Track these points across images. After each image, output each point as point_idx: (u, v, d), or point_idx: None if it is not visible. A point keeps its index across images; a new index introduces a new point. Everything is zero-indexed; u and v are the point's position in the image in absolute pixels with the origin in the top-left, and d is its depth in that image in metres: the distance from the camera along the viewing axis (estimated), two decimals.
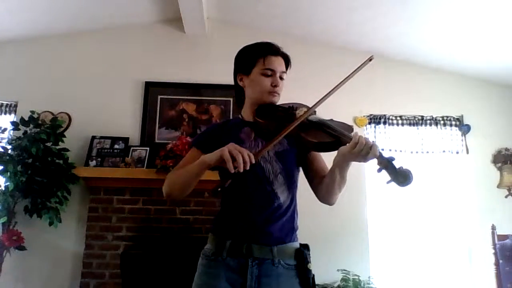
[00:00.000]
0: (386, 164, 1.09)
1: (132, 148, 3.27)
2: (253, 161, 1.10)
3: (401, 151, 3.50)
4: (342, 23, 3.37)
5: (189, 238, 3.08)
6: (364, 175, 3.43)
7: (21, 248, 2.91)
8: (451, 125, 3.60)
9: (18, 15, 3.24)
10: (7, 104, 3.44)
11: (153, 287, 2.95)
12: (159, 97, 3.50)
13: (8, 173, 2.88)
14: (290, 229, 1.30)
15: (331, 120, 1.32)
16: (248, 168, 1.08)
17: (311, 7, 3.22)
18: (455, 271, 3.37)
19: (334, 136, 1.21)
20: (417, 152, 3.52)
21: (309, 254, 1.28)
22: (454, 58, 3.56)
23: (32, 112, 3.10)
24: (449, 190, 3.53)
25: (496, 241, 2.96)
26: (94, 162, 3.17)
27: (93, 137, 3.29)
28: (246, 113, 1.43)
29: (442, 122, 3.60)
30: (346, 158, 1.17)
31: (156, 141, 3.37)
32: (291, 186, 1.33)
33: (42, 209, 2.95)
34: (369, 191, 3.45)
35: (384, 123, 3.57)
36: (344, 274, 3.07)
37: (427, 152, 3.53)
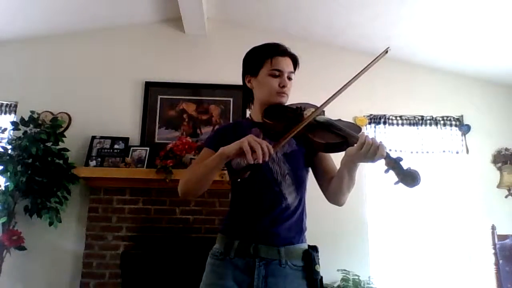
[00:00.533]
0: (394, 164, 1.08)
1: (132, 148, 3.27)
2: (272, 153, 1.10)
3: (401, 151, 3.50)
4: (342, 23, 3.37)
5: (189, 238, 3.08)
6: (364, 175, 3.43)
7: (21, 248, 2.91)
8: (451, 125, 3.60)
9: (18, 15, 3.24)
10: (7, 104, 3.44)
11: (153, 287, 2.95)
12: (159, 97, 3.50)
13: (8, 173, 2.89)
14: (298, 230, 1.31)
15: (339, 120, 1.31)
16: (267, 159, 1.08)
17: (311, 7, 3.22)
18: (455, 271, 3.37)
19: (342, 136, 1.21)
20: (417, 152, 3.52)
21: (318, 256, 1.29)
22: (454, 58, 3.56)
23: (32, 112, 3.10)
24: (449, 190, 3.53)
25: (496, 241, 2.96)
26: (94, 162, 3.17)
27: (93, 137, 3.29)
28: (255, 114, 1.43)
29: (442, 122, 3.60)
30: (353, 159, 1.17)
31: (156, 141, 3.37)
32: (299, 187, 1.33)
33: (42, 209, 2.95)
34: (369, 191, 3.45)
35: (384, 123, 3.57)
36: (344, 274, 3.07)
37: (427, 152, 3.53)
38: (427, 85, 3.69)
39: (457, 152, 3.56)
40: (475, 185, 3.50)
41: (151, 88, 3.50)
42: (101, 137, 3.30)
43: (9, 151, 2.99)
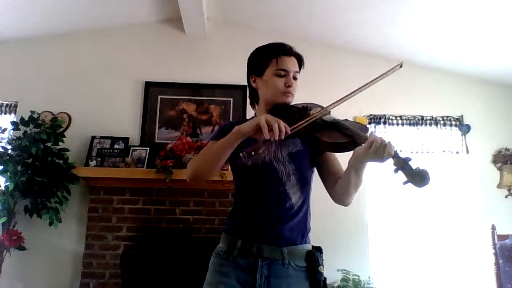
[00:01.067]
0: (403, 164, 1.08)
1: (132, 148, 3.27)
2: (289, 132, 1.11)
3: (401, 151, 3.49)
4: (342, 23, 3.36)
5: (189, 238, 3.08)
6: (364, 175, 3.42)
7: (21, 248, 2.91)
8: (451, 125, 3.61)
9: (18, 15, 3.24)
10: (7, 104, 3.44)
11: (153, 287, 2.95)
12: (159, 97, 3.50)
13: (8, 173, 2.89)
14: (302, 231, 1.30)
15: (346, 120, 1.31)
16: (283, 137, 1.10)
17: (311, 7, 3.22)
18: (455, 271, 3.37)
19: (349, 136, 1.20)
20: (417, 152, 3.51)
21: (322, 257, 1.29)
22: (454, 58, 3.56)
23: (32, 112, 3.10)
24: (449, 190, 3.53)
25: (496, 241, 2.96)
26: (94, 162, 3.17)
27: (93, 137, 3.29)
28: (261, 114, 1.40)
29: (442, 122, 3.60)
30: (362, 159, 1.16)
31: (156, 141, 3.37)
32: (304, 187, 1.32)
33: (42, 209, 2.95)
34: (369, 191, 3.45)
35: (384, 123, 3.57)
36: (344, 274, 3.07)
37: (427, 152, 3.53)
38: (427, 85, 3.69)
39: (457, 152, 3.56)
40: (475, 185, 3.50)
41: (151, 88, 3.50)
42: (101, 137, 3.30)
43: (9, 151, 2.98)
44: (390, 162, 1.11)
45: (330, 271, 3.08)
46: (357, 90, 1.30)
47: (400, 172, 1.08)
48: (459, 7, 2.90)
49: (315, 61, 3.53)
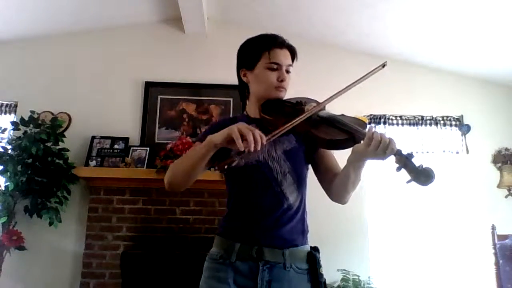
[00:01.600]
0: (406, 162, 1.02)
1: (132, 148, 3.27)
2: (264, 142, 1.02)
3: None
4: (342, 23, 3.37)
5: (189, 238, 3.08)
6: (362, 174, 3.42)
7: (21, 248, 2.91)
8: (451, 125, 3.61)
9: (18, 15, 3.24)
10: (7, 104, 3.44)
11: (153, 287, 2.95)
12: (159, 97, 3.50)
13: (8, 173, 2.89)
14: (301, 231, 1.26)
15: (342, 115, 1.24)
16: (259, 148, 1.01)
17: (311, 7, 3.22)
18: (455, 271, 3.37)
19: (348, 132, 1.14)
20: (417, 152, 3.51)
21: (319, 257, 1.24)
22: (454, 58, 3.56)
23: (32, 112, 3.10)
24: (449, 190, 3.53)
25: (496, 241, 2.96)
26: (94, 162, 3.17)
27: (93, 137, 3.29)
28: (252, 110, 1.36)
29: (442, 122, 3.60)
30: (362, 156, 1.10)
31: (156, 141, 3.37)
32: (300, 186, 1.27)
33: (42, 209, 2.95)
34: (369, 191, 3.45)
35: (384, 123, 3.57)
36: (344, 274, 3.07)
37: (427, 152, 3.53)
38: (427, 85, 3.69)
39: (457, 152, 3.56)
40: (475, 185, 3.50)
41: (151, 88, 3.50)
42: (101, 137, 3.30)
43: (9, 151, 2.99)
44: (392, 160, 1.06)
45: (330, 271, 3.08)
46: (348, 86, 1.26)
47: (403, 170, 1.03)
48: (459, 7, 2.90)
49: (315, 61, 3.58)
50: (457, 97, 3.69)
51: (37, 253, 3.07)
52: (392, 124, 3.58)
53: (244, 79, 1.35)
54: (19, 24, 3.37)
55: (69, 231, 3.15)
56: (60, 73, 3.51)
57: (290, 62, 1.32)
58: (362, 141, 1.09)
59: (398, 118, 3.60)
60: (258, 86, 1.31)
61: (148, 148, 3.26)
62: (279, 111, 1.26)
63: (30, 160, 2.97)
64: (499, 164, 3.54)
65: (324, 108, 1.25)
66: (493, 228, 3.00)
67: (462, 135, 3.60)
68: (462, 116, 3.64)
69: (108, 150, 3.24)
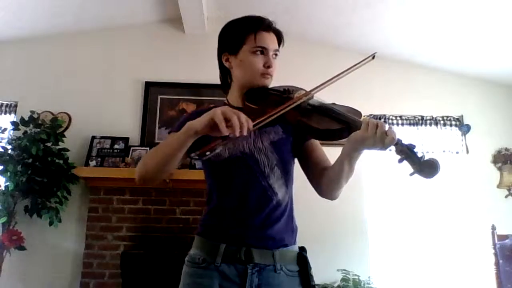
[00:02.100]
0: (408, 153, 0.95)
1: (132, 148, 3.27)
2: (251, 127, 0.92)
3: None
4: (342, 23, 3.36)
5: (189, 238, 3.07)
6: (362, 174, 3.43)
7: (21, 248, 2.91)
8: (451, 125, 3.61)
9: (18, 15, 3.24)
10: (7, 104, 3.44)
11: (153, 287, 2.95)
12: (159, 97, 3.50)
13: (8, 173, 2.88)
14: (291, 230, 1.17)
15: (334, 103, 1.15)
16: (245, 133, 0.90)
17: (311, 7, 3.22)
18: (455, 271, 3.37)
19: (343, 121, 1.04)
20: None
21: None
22: (454, 58, 3.56)
23: (32, 112, 3.10)
24: (449, 190, 3.53)
25: (496, 241, 2.96)
26: (94, 162, 3.17)
27: (93, 137, 3.29)
28: (234, 98, 1.24)
29: (442, 122, 3.60)
30: (359, 145, 1.01)
31: (156, 141, 3.37)
32: (288, 180, 1.18)
33: (42, 209, 2.95)
34: (369, 191, 3.45)
35: (384, 123, 3.56)
36: (344, 274, 3.07)
37: (427, 152, 3.52)
38: (427, 85, 3.69)
39: (457, 152, 3.56)
40: (475, 185, 3.50)
41: (151, 88, 3.50)
42: (101, 137, 3.30)
43: (9, 151, 2.98)
44: (392, 154, 0.99)
45: (330, 271, 3.08)
46: (339, 75, 1.17)
47: (405, 162, 0.95)
48: (459, 7, 2.90)
49: (315, 61, 3.58)
50: (457, 97, 3.69)
51: (37, 253, 3.07)
52: (392, 124, 3.58)
53: (226, 64, 1.24)
54: (19, 24, 3.37)
55: (69, 231, 3.15)
56: (60, 73, 3.51)
57: (277, 46, 1.22)
58: (358, 131, 1.01)
59: (398, 118, 3.60)
60: (242, 72, 1.20)
61: (148, 148, 3.26)
62: (265, 100, 1.15)
63: (30, 160, 2.97)
64: (499, 164, 3.53)
65: (312, 97, 1.16)
66: (493, 228, 3.00)
67: (462, 135, 3.60)
68: (462, 116, 3.64)
69: (108, 150, 3.24)
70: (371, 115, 3.57)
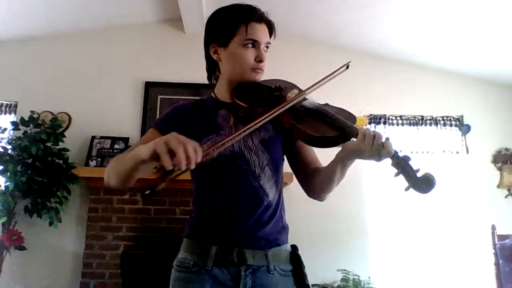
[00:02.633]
0: (403, 166, 0.93)
1: None
2: (199, 159, 0.81)
3: (401, 151, 3.46)
4: (342, 22, 3.36)
5: None
6: (362, 174, 3.43)
7: (21, 248, 2.91)
8: (451, 125, 3.61)
9: (18, 15, 3.24)
10: (7, 104, 3.44)
11: (153, 287, 2.95)
12: (159, 97, 3.50)
13: (8, 173, 2.88)
14: (282, 229, 1.13)
15: (326, 104, 1.11)
16: (192, 167, 0.80)
17: (311, 7, 3.21)
18: (455, 271, 3.37)
19: (338, 128, 1.00)
20: (417, 152, 3.51)
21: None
22: (454, 58, 3.56)
23: (32, 112, 3.10)
24: (449, 190, 3.53)
25: (496, 241, 2.96)
26: (94, 162, 3.17)
27: (93, 137, 3.29)
28: (221, 92, 1.19)
29: (442, 122, 3.60)
30: (354, 155, 0.99)
31: None
32: (278, 180, 1.14)
33: (42, 209, 2.94)
34: (369, 191, 3.45)
35: (384, 123, 3.57)
36: (344, 274, 3.07)
37: (427, 152, 3.53)
38: (427, 85, 3.69)
39: (457, 152, 3.56)
40: (475, 185, 3.50)
41: (151, 88, 3.50)
42: (101, 137, 3.30)
43: (9, 151, 2.98)
44: (389, 162, 0.98)
45: (330, 271, 3.08)
46: (327, 77, 1.13)
47: (401, 176, 0.94)
48: (459, 7, 2.90)
49: (314, 61, 3.57)
50: (457, 97, 3.69)
51: (37, 253, 3.07)
52: (392, 124, 3.58)
53: (215, 56, 1.16)
54: (19, 24, 3.37)
55: (69, 231, 3.15)
56: (60, 73, 3.51)
57: (269, 39, 1.15)
58: (352, 139, 0.98)
59: (398, 118, 3.60)
60: (232, 66, 1.13)
61: None
62: (255, 97, 1.10)
63: (30, 160, 2.97)
64: (499, 164, 3.54)
65: (305, 98, 1.11)
66: (493, 228, 3.00)
67: (462, 135, 3.60)
68: (462, 116, 3.64)
69: (108, 150, 3.23)
70: (371, 115, 3.57)
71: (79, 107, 3.41)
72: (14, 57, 3.54)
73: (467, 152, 3.57)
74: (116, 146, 3.26)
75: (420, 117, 3.60)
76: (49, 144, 3.05)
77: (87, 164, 3.16)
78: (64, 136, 3.13)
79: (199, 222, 1.12)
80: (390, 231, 3.44)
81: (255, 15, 1.12)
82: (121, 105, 3.46)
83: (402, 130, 3.57)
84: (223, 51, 1.13)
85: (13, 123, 3.10)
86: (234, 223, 1.07)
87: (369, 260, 3.30)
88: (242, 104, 1.09)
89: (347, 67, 1.17)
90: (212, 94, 1.23)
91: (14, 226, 2.97)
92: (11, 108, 3.43)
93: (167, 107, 3.45)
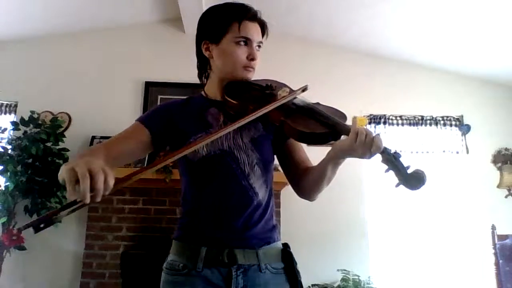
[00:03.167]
0: (393, 162, 0.92)
1: None
2: (108, 191, 0.75)
3: (401, 151, 3.46)
4: (342, 23, 3.36)
5: None
6: (362, 174, 3.43)
7: (21, 248, 2.91)
8: (451, 125, 3.61)
9: (18, 15, 3.24)
10: (7, 104, 3.44)
11: (153, 287, 2.95)
12: (159, 97, 3.50)
13: (8, 173, 2.89)
14: (272, 227, 1.12)
15: (318, 103, 1.11)
16: (98, 200, 0.73)
17: (311, 7, 3.21)
18: (455, 271, 3.37)
19: (328, 125, 1.00)
20: (417, 152, 3.51)
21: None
22: (454, 58, 3.56)
23: (32, 112, 3.10)
24: (449, 190, 3.53)
25: (496, 241, 2.96)
26: None
27: (93, 137, 3.29)
28: (212, 90, 1.18)
29: (442, 122, 3.60)
30: (345, 153, 0.98)
31: None
32: (268, 179, 1.13)
33: (42, 209, 2.94)
34: (369, 191, 3.45)
35: (384, 123, 3.57)
36: (344, 274, 3.07)
37: (427, 152, 3.53)
38: (427, 85, 3.69)
39: (457, 152, 3.56)
40: (475, 185, 3.50)
41: (151, 88, 3.50)
42: (101, 137, 3.30)
43: (9, 151, 2.98)
44: (380, 160, 0.96)
45: (330, 271, 3.08)
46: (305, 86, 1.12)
47: (391, 172, 0.93)
48: (459, 7, 2.90)
49: (315, 61, 3.58)
50: (457, 97, 3.69)
51: (37, 253, 3.07)
52: (392, 124, 3.58)
53: (206, 53, 1.16)
54: (19, 24, 3.37)
55: (69, 231, 3.15)
56: (60, 73, 3.51)
57: (261, 38, 1.15)
58: (342, 136, 0.98)
59: (398, 118, 3.60)
60: (223, 63, 1.13)
61: None
62: (245, 95, 1.10)
63: (30, 160, 2.97)
64: (499, 164, 3.54)
65: (296, 96, 1.12)
66: (493, 228, 3.00)
67: (462, 135, 3.60)
68: (462, 116, 3.64)
69: None
70: (371, 115, 3.57)
71: (79, 107, 3.41)
72: (14, 57, 3.54)
73: (467, 152, 3.57)
74: None
75: (420, 117, 3.60)
76: (49, 144, 3.05)
77: None
78: (64, 136, 3.13)
79: (187, 223, 1.11)
80: (390, 231, 3.44)
81: (248, 14, 1.12)
82: (121, 105, 3.46)
83: (402, 130, 3.57)
84: (215, 48, 1.13)
85: (13, 123, 3.10)
86: (224, 223, 1.06)
87: (369, 260, 3.30)
88: (232, 101, 1.09)
89: (304, 90, 1.15)
90: (202, 92, 1.22)
91: (14, 226, 2.97)
92: (11, 108, 3.43)
93: None
